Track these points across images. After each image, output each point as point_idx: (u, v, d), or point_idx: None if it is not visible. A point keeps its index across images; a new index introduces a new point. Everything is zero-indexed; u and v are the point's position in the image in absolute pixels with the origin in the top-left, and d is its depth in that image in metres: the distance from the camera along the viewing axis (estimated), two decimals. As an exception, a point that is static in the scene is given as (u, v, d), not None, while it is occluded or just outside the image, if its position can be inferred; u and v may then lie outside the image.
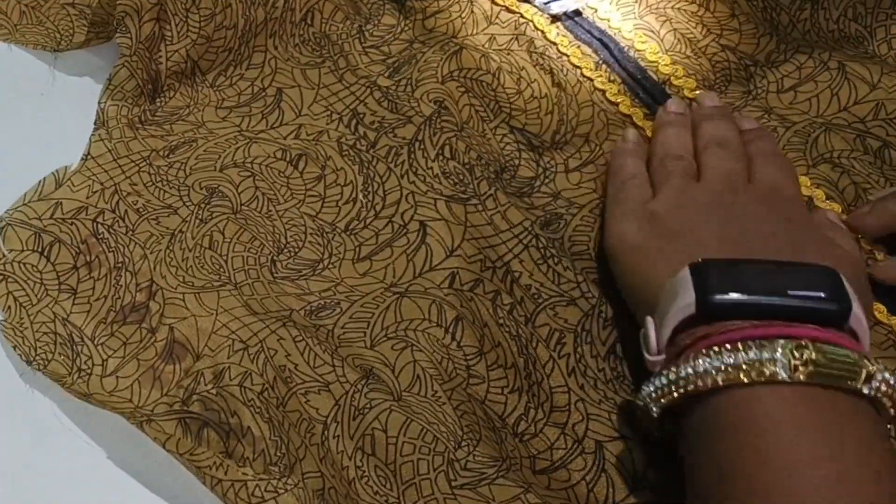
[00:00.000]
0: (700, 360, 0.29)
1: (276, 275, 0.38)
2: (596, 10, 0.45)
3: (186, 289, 0.37)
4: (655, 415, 0.31)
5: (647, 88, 0.43)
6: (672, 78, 0.43)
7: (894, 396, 0.29)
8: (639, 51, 0.43)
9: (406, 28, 0.44)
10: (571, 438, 0.34)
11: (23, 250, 0.37)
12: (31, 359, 0.35)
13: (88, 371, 0.35)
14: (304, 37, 0.44)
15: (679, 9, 0.45)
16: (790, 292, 0.30)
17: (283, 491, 0.32)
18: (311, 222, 0.39)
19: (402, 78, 0.43)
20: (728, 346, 0.29)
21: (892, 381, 0.29)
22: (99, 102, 0.40)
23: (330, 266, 0.38)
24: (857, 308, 0.30)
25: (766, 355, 0.28)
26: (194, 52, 0.41)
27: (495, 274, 0.38)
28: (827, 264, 0.31)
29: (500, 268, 0.38)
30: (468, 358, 0.35)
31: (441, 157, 0.40)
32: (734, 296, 0.30)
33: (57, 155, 0.39)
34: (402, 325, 0.36)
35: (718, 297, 0.30)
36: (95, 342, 0.35)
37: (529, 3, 0.45)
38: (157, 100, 0.41)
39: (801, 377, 0.28)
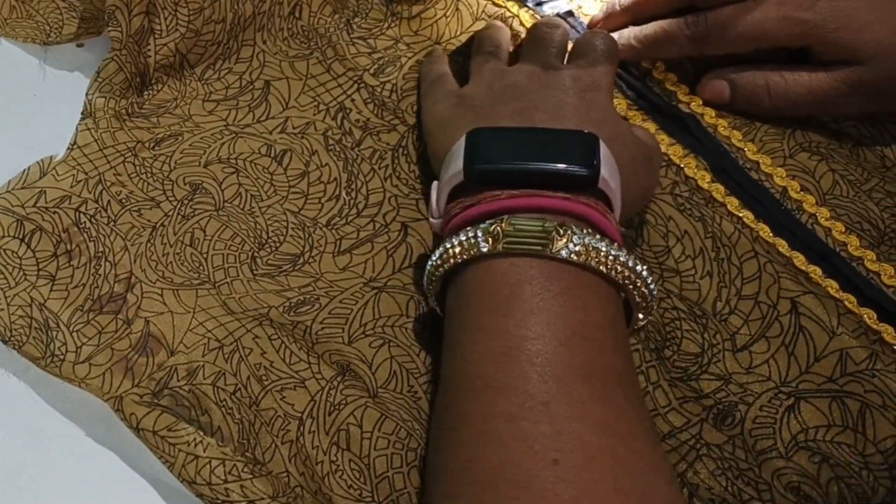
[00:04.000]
0: (450, 239, 0.33)
1: (255, 272, 0.38)
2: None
3: (165, 284, 0.37)
4: (435, 293, 0.34)
5: (631, 83, 0.42)
6: (654, 71, 0.43)
7: (612, 265, 0.31)
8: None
9: (393, 24, 0.44)
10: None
11: (3, 236, 0.37)
12: (6, 339, 0.35)
13: (62, 357, 0.35)
14: (293, 30, 0.44)
15: None
16: (544, 159, 0.32)
17: (259, 475, 0.32)
18: (294, 218, 0.39)
19: (387, 80, 0.43)
20: (469, 227, 0.32)
21: (596, 245, 0.31)
22: (87, 94, 0.40)
23: (310, 260, 0.38)
24: (604, 172, 0.32)
25: (472, 234, 0.32)
26: (183, 45, 0.41)
27: None
28: (591, 131, 0.33)
29: None
30: None
31: (423, 161, 0.40)
32: (492, 165, 0.33)
33: (45, 148, 0.39)
34: (379, 321, 0.36)
35: (479, 165, 0.33)
36: (71, 329, 0.35)
37: (521, 4, 0.45)
38: (145, 93, 0.41)
39: (500, 248, 0.31)
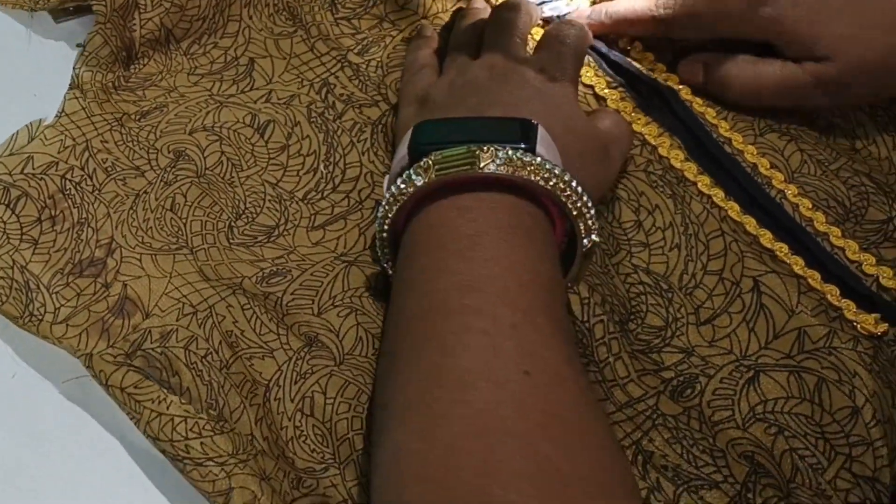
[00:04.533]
0: (388, 189, 0.34)
1: (232, 241, 0.39)
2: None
3: (144, 250, 0.38)
4: (383, 246, 0.35)
5: (611, 59, 0.43)
6: (632, 51, 0.43)
7: (541, 175, 0.32)
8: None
9: (378, 2, 0.45)
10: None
11: None
12: None
13: (40, 317, 0.36)
14: (278, 6, 0.45)
15: None
16: (484, 140, 0.33)
17: (220, 432, 0.33)
18: (272, 189, 0.40)
19: (372, 59, 0.44)
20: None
21: (521, 156, 0.32)
22: (74, 68, 0.41)
23: (284, 233, 0.39)
24: (541, 149, 0.33)
25: (404, 177, 0.33)
26: (168, 20, 0.42)
27: None
28: (532, 120, 0.34)
29: None
30: None
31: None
32: (433, 145, 0.34)
33: (31, 116, 0.40)
34: (348, 293, 0.37)
35: (421, 147, 0.34)
36: (50, 291, 0.36)
37: None
38: (132, 66, 0.43)
39: (432, 176, 0.33)
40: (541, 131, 0.34)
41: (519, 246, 0.32)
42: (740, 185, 0.38)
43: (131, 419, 0.34)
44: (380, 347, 0.36)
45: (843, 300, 0.36)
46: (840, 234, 0.38)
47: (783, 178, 0.39)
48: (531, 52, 0.42)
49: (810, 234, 0.38)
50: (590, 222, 0.33)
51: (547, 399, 0.29)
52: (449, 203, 0.33)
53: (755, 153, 0.40)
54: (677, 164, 0.40)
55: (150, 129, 0.41)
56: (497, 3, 0.42)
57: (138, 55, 0.42)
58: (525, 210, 0.33)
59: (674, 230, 0.38)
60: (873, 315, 0.36)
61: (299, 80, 0.43)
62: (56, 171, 0.39)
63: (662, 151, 0.40)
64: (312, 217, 0.39)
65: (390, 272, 0.36)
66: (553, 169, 0.32)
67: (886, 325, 0.35)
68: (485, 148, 0.32)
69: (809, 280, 0.36)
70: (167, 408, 0.33)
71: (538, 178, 0.32)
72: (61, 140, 0.40)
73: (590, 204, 0.33)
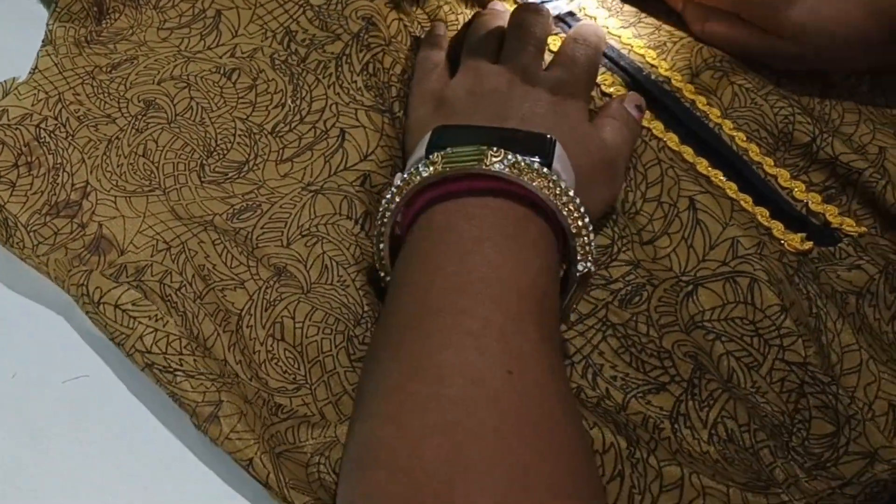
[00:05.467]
0: (394, 180, 0.34)
1: (203, 179, 0.40)
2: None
3: (119, 192, 0.40)
4: (382, 250, 0.36)
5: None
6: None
7: (540, 181, 0.32)
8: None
9: None
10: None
11: None
12: None
13: (19, 251, 0.38)
14: None
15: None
16: (502, 148, 0.33)
17: (210, 357, 0.35)
18: (242, 125, 0.42)
19: None
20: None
21: (526, 161, 0.32)
22: (47, 24, 0.43)
23: (254, 167, 0.41)
24: (557, 165, 0.34)
25: (412, 170, 0.34)
26: (138, -26, 0.44)
27: None
28: (551, 136, 0.35)
29: None
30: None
31: (365, 73, 0.43)
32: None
33: (5, 75, 0.42)
34: (314, 221, 0.39)
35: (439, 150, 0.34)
36: (28, 229, 0.38)
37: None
38: (103, 21, 0.44)
39: (438, 168, 0.33)
40: (558, 149, 0.34)
41: (520, 255, 0.32)
42: (678, 119, 0.41)
43: (115, 337, 0.35)
44: (371, 340, 0.36)
45: (773, 221, 0.38)
46: (773, 163, 0.40)
47: (719, 114, 0.42)
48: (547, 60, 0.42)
49: (745, 161, 0.40)
50: (588, 247, 0.33)
51: (524, 401, 0.29)
52: (455, 207, 0.34)
53: (693, 91, 0.42)
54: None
55: (121, 80, 0.43)
56: (515, 7, 0.43)
57: (109, 10, 0.44)
58: (531, 222, 0.33)
59: None
60: (799, 234, 0.38)
61: (263, 31, 0.45)
62: (31, 121, 0.41)
63: (605, 88, 0.43)
64: (281, 150, 0.41)
65: (382, 274, 0.36)
66: (559, 182, 0.33)
67: (812, 243, 0.38)
68: (494, 149, 0.33)
69: (742, 202, 0.39)
70: (164, 325, 0.35)
71: (543, 186, 0.33)
72: (34, 94, 0.42)
73: (591, 228, 0.33)
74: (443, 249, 0.33)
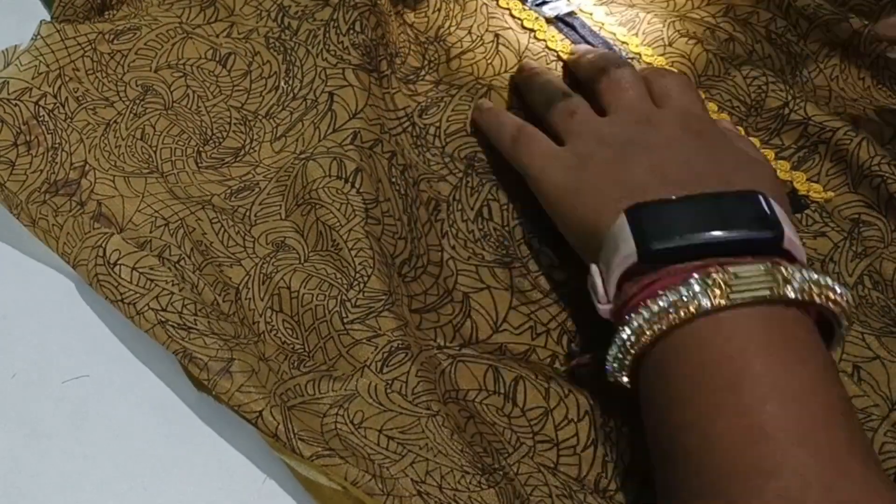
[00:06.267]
0: (642, 311, 0.30)
1: (200, 164, 0.41)
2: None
3: (117, 172, 0.40)
4: (626, 372, 0.32)
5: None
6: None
7: (830, 297, 0.29)
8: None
9: None
10: (443, 288, 0.39)
11: None
12: None
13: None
14: None
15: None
16: (724, 227, 0.30)
17: (224, 320, 0.36)
18: (237, 113, 0.43)
19: None
20: (660, 291, 0.30)
21: (815, 278, 0.29)
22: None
23: (251, 151, 0.42)
24: (788, 231, 0.31)
25: (685, 292, 0.29)
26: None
27: (393, 138, 0.41)
28: (754, 188, 0.32)
29: (390, 139, 0.41)
30: (366, 202, 0.38)
31: (352, 32, 0.42)
32: (672, 241, 0.30)
33: (7, 42, 0.42)
34: (307, 187, 0.39)
35: (657, 244, 0.31)
36: (28, 206, 0.39)
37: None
38: (106, 13, 0.45)
39: (723, 301, 0.29)
40: (774, 204, 0.31)
41: (798, 367, 0.28)
42: None
43: (126, 297, 0.35)
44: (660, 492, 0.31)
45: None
46: (743, 132, 0.42)
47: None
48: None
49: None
50: (846, 309, 0.30)
51: None
52: (711, 324, 0.29)
53: (665, 63, 0.44)
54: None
55: (120, 58, 0.43)
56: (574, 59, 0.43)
57: (113, 2, 0.45)
58: (791, 317, 0.30)
59: None
60: None
61: (258, 12, 0.45)
62: (30, 97, 0.41)
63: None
64: (275, 129, 0.42)
65: (625, 380, 0.33)
66: (834, 286, 0.30)
67: None
68: (782, 268, 0.29)
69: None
70: (180, 290, 0.36)
71: (828, 301, 0.29)
72: (35, 66, 0.42)
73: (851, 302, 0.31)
74: (707, 377, 0.29)
